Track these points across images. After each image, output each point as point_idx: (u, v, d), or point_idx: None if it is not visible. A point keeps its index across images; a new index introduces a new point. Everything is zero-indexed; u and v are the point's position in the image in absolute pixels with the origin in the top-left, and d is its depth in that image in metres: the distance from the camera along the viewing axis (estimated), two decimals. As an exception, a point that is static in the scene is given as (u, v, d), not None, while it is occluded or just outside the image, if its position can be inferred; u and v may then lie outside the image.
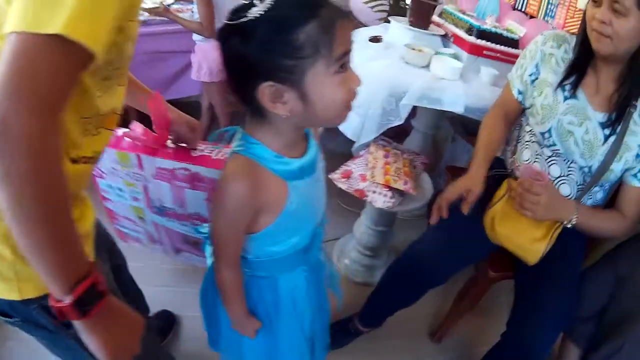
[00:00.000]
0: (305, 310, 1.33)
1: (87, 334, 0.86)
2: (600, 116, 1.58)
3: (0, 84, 0.65)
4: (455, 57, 2.28)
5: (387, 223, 2.33)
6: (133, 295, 1.75)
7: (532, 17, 2.92)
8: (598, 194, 1.68)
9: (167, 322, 2.19)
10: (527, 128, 1.79)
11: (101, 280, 0.84)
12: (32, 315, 0.93)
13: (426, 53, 2.21)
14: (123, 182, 1.81)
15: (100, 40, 0.73)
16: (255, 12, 0.85)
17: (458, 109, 2.01)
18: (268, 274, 1.24)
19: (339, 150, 2.67)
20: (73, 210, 0.80)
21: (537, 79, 1.74)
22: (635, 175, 1.58)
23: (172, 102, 1.29)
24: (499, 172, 1.82)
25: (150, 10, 2.91)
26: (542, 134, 1.69)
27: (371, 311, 2.04)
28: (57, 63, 0.69)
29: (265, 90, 0.90)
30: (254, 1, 0.86)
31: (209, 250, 1.30)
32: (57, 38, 0.66)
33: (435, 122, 2.60)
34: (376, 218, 2.31)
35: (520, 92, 1.80)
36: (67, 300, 0.78)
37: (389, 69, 2.18)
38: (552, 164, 1.70)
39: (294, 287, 1.27)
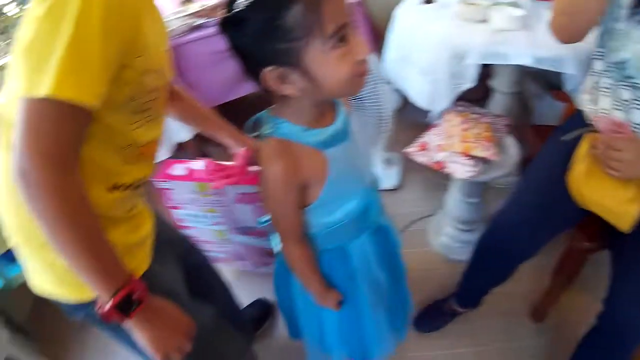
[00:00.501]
0: (380, 274, 1.38)
1: (132, 332, 1.02)
2: None
3: (17, 142, 0.81)
4: (515, 4, 2.10)
5: (477, 193, 2.19)
6: (217, 292, 1.78)
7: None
8: None
9: (262, 311, 2.24)
10: (604, 66, 1.48)
11: (138, 288, 0.97)
12: (91, 314, 1.04)
13: (482, 6, 2.06)
14: (203, 209, 2.00)
15: (92, 91, 0.83)
16: (241, 3, 0.87)
17: (526, 61, 1.87)
18: (336, 245, 1.28)
19: (415, 121, 2.57)
20: (118, 228, 1.09)
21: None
22: None
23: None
24: (579, 133, 1.53)
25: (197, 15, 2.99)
26: (617, 64, 1.41)
27: (465, 290, 1.93)
28: (56, 121, 0.82)
29: (269, 75, 0.92)
30: None
31: (275, 239, 1.34)
32: (48, 100, 0.79)
33: (514, 80, 2.42)
34: (465, 189, 2.17)
35: None
36: (107, 306, 0.93)
37: (446, 29, 2.08)
38: (633, 108, 1.40)
39: (364, 253, 1.31)
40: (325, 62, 0.90)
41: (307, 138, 1.05)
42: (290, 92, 0.95)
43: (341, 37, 0.89)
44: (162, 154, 3.45)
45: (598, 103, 1.50)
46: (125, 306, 0.95)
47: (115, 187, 1.07)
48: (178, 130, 3.51)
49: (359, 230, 1.28)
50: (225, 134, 1.64)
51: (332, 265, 1.29)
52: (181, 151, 3.69)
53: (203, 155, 3.70)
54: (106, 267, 0.94)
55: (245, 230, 2.01)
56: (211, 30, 3.31)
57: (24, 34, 0.83)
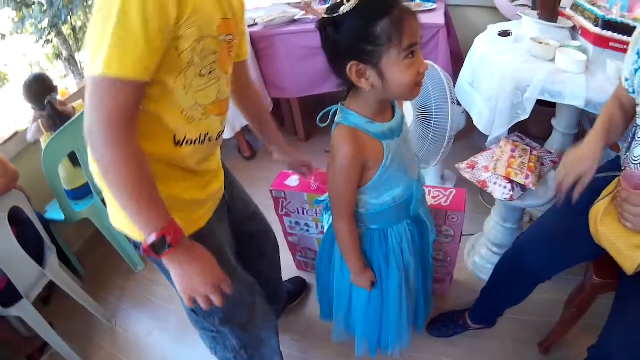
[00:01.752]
0: (410, 263, 1.59)
1: (170, 270, 1.21)
2: None
3: (85, 110, 1.04)
4: (582, 49, 2.20)
5: (514, 220, 2.31)
6: (266, 260, 2.03)
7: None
8: None
9: (298, 287, 2.54)
10: (638, 121, 1.56)
11: (173, 233, 1.14)
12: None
13: (551, 46, 2.17)
14: (311, 218, 2.27)
15: (138, 67, 1.03)
16: (344, 9, 1.13)
17: (578, 103, 1.97)
18: (379, 226, 1.51)
19: (476, 144, 2.69)
20: (187, 181, 1.37)
21: None
22: None
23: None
24: (612, 175, 1.63)
25: (294, 5, 3.19)
26: None
27: (481, 307, 2.05)
28: (109, 93, 1.02)
29: (353, 68, 1.19)
30: (344, 1, 1.14)
31: (326, 217, 1.65)
32: (101, 77, 1.00)
33: (574, 122, 2.52)
34: (504, 214, 2.31)
35: (627, 79, 1.59)
36: (144, 245, 1.13)
37: (514, 62, 2.19)
38: None
39: (401, 238, 1.54)
40: (396, 67, 1.17)
41: (370, 128, 1.30)
42: (364, 86, 1.22)
43: (412, 51, 1.16)
44: (226, 133, 3.69)
45: (631, 152, 1.58)
46: (160, 247, 1.13)
47: (181, 142, 1.29)
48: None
49: (400, 216, 1.51)
50: (274, 143, 1.90)
51: (372, 243, 1.52)
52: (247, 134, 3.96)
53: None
54: (148, 212, 1.12)
55: None
56: (307, 26, 3.53)
57: (89, 25, 1.04)
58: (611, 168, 1.67)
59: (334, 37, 1.17)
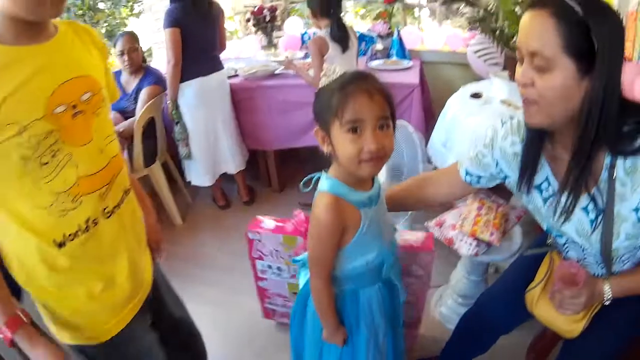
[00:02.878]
0: (380, 323, 1.61)
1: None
2: (583, 201, 1.33)
3: None
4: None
5: (479, 272, 2.42)
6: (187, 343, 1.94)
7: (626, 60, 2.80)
8: (627, 262, 1.44)
9: None
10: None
11: (9, 326, 1.17)
12: None
13: (520, 109, 2.28)
14: (284, 262, 2.27)
15: None
16: (322, 82, 1.35)
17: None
18: (351, 288, 1.55)
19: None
20: (84, 285, 1.29)
21: (507, 177, 1.56)
22: None
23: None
24: (542, 251, 1.74)
25: (279, 62, 3.32)
26: (547, 230, 1.59)
27: (447, 356, 2.11)
28: None
29: (317, 132, 1.34)
30: (327, 73, 1.35)
31: (302, 275, 1.71)
32: None
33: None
34: (469, 267, 2.42)
35: (469, 173, 1.63)
36: None
37: (484, 123, 2.29)
38: (568, 251, 1.57)
39: (372, 299, 1.57)
40: (338, 138, 1.27)
41: (351, 197, 1.36)
42: (325, 150, 1.34)
43: (354, 128, 1.24)
44: (206, 180, 3.82)
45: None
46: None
47: (62, 243, 1.22)
48: (227, 161, 3.85)
49: (372, 279, 1.55)
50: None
51: (344, 303, 1.56)
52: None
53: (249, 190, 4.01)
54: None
55: None
56: (287, 81, 3.65)
57: None
58: (541, 243, 1.78)
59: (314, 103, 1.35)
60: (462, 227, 2.15)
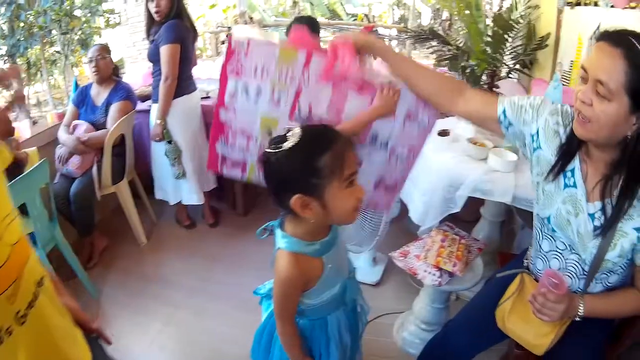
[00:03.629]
0: (348, 341, 1.67)
1: None
2: (593, 207, 1.51)
3: None
4: (514, 149, 2.43)
5: (442, 300, 2.51)
6: None
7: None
8: (611, 279, 1.59)
9: None
10: (537, 219, 1.74)
11: None
12: None
13: (486, 147, 2.42)
14: (270, 82, 1.72)
15: None
16: (287, 144, 1.24)
17: (506, 199, 2.21)
18: (319, 317, 1.59)
19: (409, 231, 2.91)
20: None
21: (538, 149, 1.61)
22: None
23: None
24: (515, 272, 1.84)
25: None
26: (543, 219, 1.67)
27: None
28: None
29: (297, 201, 1.27)
30: (287, 135, 1.26)
31: (265, 306, 1.73)
32: None
33: (501, 212, 2.78)
34: (432, 295, 2.50)
35: (505, 115, 1.64)
36: None
37: (451, 161, 2.42)
38: (552, 258, 1.68)
39: (339, 321, 1.62)
40: (338, 197, 1.28)
41: (310, 250, 1.40)
42: (308, 216, 1.30)
43: (352, 180, 1.29)
44: (199, 198, 3.85)
45: (530, 250, 1.84)
46: None
47: None
48: (208, 180, 3.91)
49: (337, 305, 1.60)
50: None
51: (313, 330, 1.61)
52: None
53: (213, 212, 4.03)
54: None
55: (308, 122, 1.73)
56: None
57: None
58: (514, 266, 1.90)
59: (278, 171, 1.29)
60: (426, 258, 2.24)
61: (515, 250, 3.17)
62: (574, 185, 1.54)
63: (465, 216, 2.93)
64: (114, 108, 3.49)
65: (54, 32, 4.21)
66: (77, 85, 3.91)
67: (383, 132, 1.78)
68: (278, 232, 1.43)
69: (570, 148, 1.52)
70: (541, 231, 1.71)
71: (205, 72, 4.50)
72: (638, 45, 1.24)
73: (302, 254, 1.39)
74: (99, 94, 3.59)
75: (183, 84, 3.48)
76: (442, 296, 2.49)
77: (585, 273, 1.59)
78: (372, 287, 3.11)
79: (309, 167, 1.25)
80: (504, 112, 1.62)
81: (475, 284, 2.28)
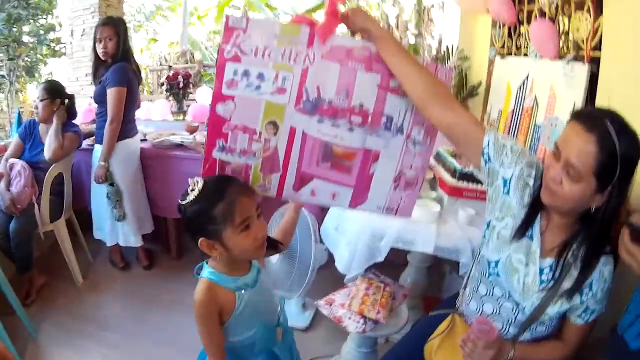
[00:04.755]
0: None
1: None
2: (545, 262, 1.59)
3: None
4: (438, 199, 2.55)
5: (368, 345, 2.59)
6: None
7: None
8: (538, 329, 1.66)
9: None
10: (479, 257, 1.78)
11: None
12: None
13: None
14: (272, 65, 1.51)
15: None
16: (189, 198, 1.44)
17: (428, 249, 2.30)
18: (243, 357, 1.66)
19: (336, 277, 2.98)
20: None
21: (506, 194, 1.64)
22: (579, 316, 1.58)
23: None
24: (446, 312, 1.93)
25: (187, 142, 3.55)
26: (489, 262, 1.69)
27: None
28: None
29: (203, 243, 1.47)
30: (189, 190, 1.45)
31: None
32: None
33: (427, 258, 2.88)
34: (358, 341, 2.58)
35: (487, 146, 1.60)
36: None
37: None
38: (485, 303, 1.74)
39: None
40: (235, 240, 1.44)
41: (224, 282, 1.54)
42: (215, 254, 1.50)
43: (245, 225, 1.44)
44: (137, 240, 3.91)
45: (465, 292, 1.87)
46: None
47: None
48: (146, 223, 3.93)
49: (266, 347, 1.68)
50: None
51: None
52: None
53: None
54: None
55: (317, 107, 1.56)
56: (192, 154, 3.80)
57: None
58: (447, 306, 1.97)
59: (186, 219, 1.47)
60: (351, 306, 2.32)
61: (444, 294, 3.28)
62: (531, 238, 1.62)
63: (395, 259, 3.02)
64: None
65: (0, 56, 4.17)
66: (19, 118, 3.91)
67: (396, 112, 1.62)
68: (204, 265, 1.58)
69: (535, 205, 1.59)
70: (481, 274, 1.76)
71: (144, 112, 4.56)
72: (611, 131, 1.32)
73: (216, 284, 1.53)
74: (46, 133, 3.55)
75: (126, 127, 3.53)
76: (368, 341, 2.56)
77: (518, 321, 1.66)
78: (302, 332, 3.19)
79: (205, 215, 1.42)
80: (488, 144, 1.60)
81: (401, 328, 2.38)
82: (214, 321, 1.53)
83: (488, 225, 1.73)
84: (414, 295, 2.79)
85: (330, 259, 2.75)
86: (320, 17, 1.54)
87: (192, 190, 1.44)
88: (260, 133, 1.56)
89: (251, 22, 1.47)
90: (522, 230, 1.61)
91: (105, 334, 3.18)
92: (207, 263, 1.59)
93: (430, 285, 3.17)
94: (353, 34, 1.55)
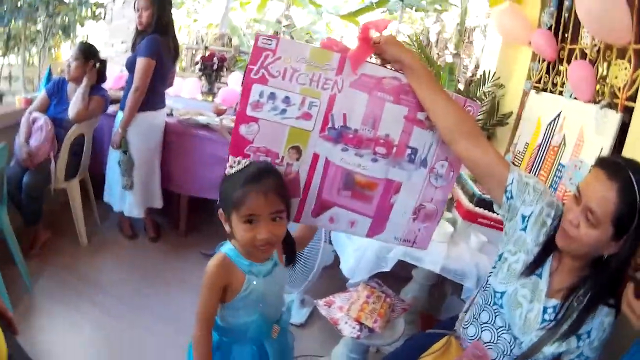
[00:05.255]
0: None
1: None
2: (550, 302, 1.59)
3: None
4: (452, 220, 2.55)
5: (360, 352, 2.59)
6: None
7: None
8: None
9: None
10: (487, 286, 1.77)
11: None
12: None
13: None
14: (300, 89, 1.49)
15: None
16: (230, 171, 1.50)
17: (435, 268, 2.30)
18: (227, 340, 1.66)
19: (339, 280, 2.99)
20: None
21: (523, 230, 1.64)
22: None
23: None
24: (443, 333, 1.92)
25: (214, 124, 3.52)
26: (495, 292, 1.70)
27: None
28: None
29: (221, 214, 1.52)
30: (234, 164, 1.50)
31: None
32: None
33: (431, 276, 2.87)
34: (351, 346, 2.57)
35: (511, 183, 1.60)
36: None
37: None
38: (484, 330, 1.73)
39: (243, 357, 1.67)
40: (237, 225, 1.46)
41: (239, 262, 1.55)
42: (226, 228, 1.51)
43: (250, 220, 1.43)
44: (141, 212, 3.91)
45: (465, 316, 1.87)
46: None
47: None
48: (157, 196, 3.96)
49: (248, 341, 1.66)
50: None
51: (215, 354, 1.63)
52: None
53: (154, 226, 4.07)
54: None
55: (342, 135, 1.55)
56: (215, 136, 3.81)
57: None
58: (445, 327, 1.97)
59: (220, 187, 1.51)
60: (349, 310, 2.33)
61: (442, 315, 3.28)
62: (540, 276, 1.62)
63: (399, 271, 3.03)
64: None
65: (40, 11, 4.19)
66: (50, 74, 3.92)
67: (422, 145, 1.61)
68: (226, 243, 1.60)
69: (549, 245, 1.59)
70: (485, 302, 1.75)
71: (174, 88, 4.57)
72: (634, 181, 1.35)
73: (231, 260, 1.54)
74: (75, 92, 3.56)
75: (151, 99, 3.55)
76: (360, 347, 2.56)
77: (513, 354, 1.66)
78: (297, 327, 3.18)
79: (227, 193, 1.46)
80: (512, 181, 1.60)
81: (395, 341, 2.37)
82: (216, 294, 1.54)
83: (500, 257, 1.73)
84: (413, 311, 2.79)
85: (336, 260, 2.76)
86: (353, 40, 1.52)
87: (237, 164, 1.49)
88: (282, 157, 1.54)
89: (281, 43, 1.45)
90: (533, 268, 1.62)
91: (102, 299, 3.19)
92: (229, 240, 1.59)
93: (429, 304, 3.17)
94: (384, 63, 1.53)
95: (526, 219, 1.62)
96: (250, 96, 1.47)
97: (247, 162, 1.49)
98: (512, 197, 1.62)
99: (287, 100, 1.49)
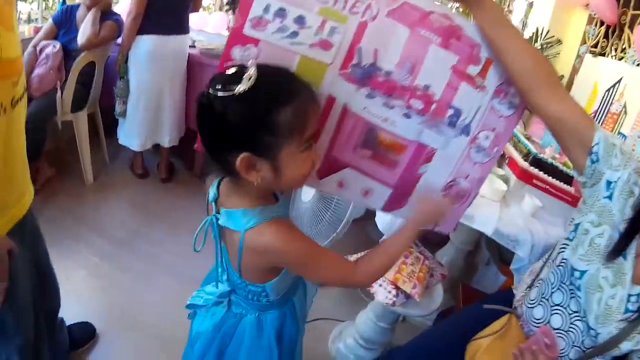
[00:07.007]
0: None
1: None
2: (636, 290, 1.30)
3: None
4: (504, 179, 2.26)
5: (389, 320, 2.30)
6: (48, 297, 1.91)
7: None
8: None
9: (83, 335, 2.29)
10: (558, 259, 1.48)
11: None
12: None
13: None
14: (319, 9, 1.14)
15: None
16: (240, 88, 0.94)
17: (487, 230, 1.98)
18: (288, 305, 1.40)
19: (369, 235, 2.70)
20: None
21: (608, 199, 1.35)
22: None
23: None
24: (501, 309, 1.62)
25: None
26: (574, 270, 1.40)
27: None
28: None
29: (242, 160, 1.00)
30: (232, 75, 0.98)
31: (199, 320, 1.43)
32: None
33: (471, 240, 2.60)
34: (379, 313, 2.29)
35: (598, 144, 1.29)
36: None
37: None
38: (555, 314, 1.47)
39: (301, 301, 1.50)
40: (294, 160, 1.03)
41: (278, 212, 1.15)
42: (252, 179, 1.03)
43: (311, 143, 1.06)
44: (134, 143, 3.69)
45: (529, 293, 1.57)
46: None
47: None
48: (163, 133, 3.71)
49: (295, 287, 1.44)
50: None
51: (285, 323, 1.39)
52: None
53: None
54: None
55: (370, 75, 1.21)
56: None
57: None
58: (501, 301, 1.66)
59: (223, 122, 0.99)
60: (386, 271, 2.02)
61: (475, 285, 2.99)
62: (625, 257, 1.32)
63: (432, 237, 2.75)
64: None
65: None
66: (64, 2, 3.67)
67: (467, 107, 1.28)
68: (238, 213, 1.13)
69: (636, 222, 1.29)
70: (561, 281, 1.46)
71: (198, 22, 4.32)
72: None
73: (281, 218, 1.15)
74: (85, 18, 3.29)
75: (153, 21, 3.27)
76: (390, 316, 2.27)
77: (584, 346, 1.40)
78: (317, 286, 2.88)
79: (264, 120, 0.97)
80: (598, 141, 1.29)
81: (431, 312, 2.08)
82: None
83: (577, 227, 1.41)
84: (451, 277, 2.49)
85: (367, 213, 2.45)
86: None
87: (242, 79, 0.95)
88: None
89: None
90: (620, 248, 1.31)
91: (101, 242, 3.01)
92: (226, 208, 1.17)
93: (464, 272, 2.90)
94: None
95: (612, 185, 1.32)
96: (250, 10, 1.11)
97: (253, 68, 0.97)
98: (597, 160, 1.30)
99: (300, 20, 1.13)
